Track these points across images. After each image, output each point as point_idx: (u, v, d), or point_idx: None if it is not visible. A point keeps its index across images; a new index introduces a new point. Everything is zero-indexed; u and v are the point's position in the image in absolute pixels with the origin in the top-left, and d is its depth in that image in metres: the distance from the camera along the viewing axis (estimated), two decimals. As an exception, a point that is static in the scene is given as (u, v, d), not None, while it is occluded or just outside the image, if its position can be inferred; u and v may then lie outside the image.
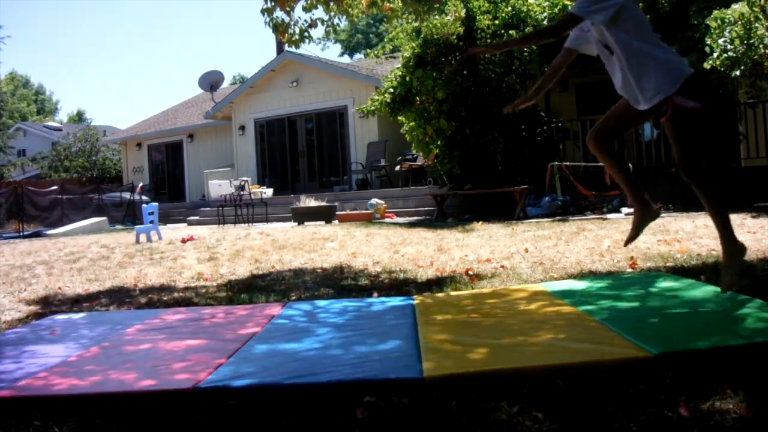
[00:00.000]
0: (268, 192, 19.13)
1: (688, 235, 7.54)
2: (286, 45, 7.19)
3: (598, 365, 2.67)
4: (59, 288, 6.61)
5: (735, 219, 8.64)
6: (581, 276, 5.21)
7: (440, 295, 4.72)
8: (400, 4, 6.49)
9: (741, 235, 7.09)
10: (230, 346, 3.42)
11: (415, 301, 4.38)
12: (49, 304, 5.68)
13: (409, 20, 8.18)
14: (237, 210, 17.01)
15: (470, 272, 5.77)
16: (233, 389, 2.69)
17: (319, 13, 6.76)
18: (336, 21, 6.91)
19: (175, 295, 5.74)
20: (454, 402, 2.37)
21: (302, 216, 15.07)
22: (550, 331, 3.24)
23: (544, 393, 2.42)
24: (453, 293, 4.77)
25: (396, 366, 2.82)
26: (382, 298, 4.56)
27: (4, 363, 3.39)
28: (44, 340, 3.97)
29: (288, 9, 6.75)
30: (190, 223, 18.96)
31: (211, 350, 3.39)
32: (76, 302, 5.72)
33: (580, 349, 2.87)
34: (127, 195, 21.77)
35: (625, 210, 11.71)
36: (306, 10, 6.81)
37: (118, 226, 19.78)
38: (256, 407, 2.49)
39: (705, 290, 3.97)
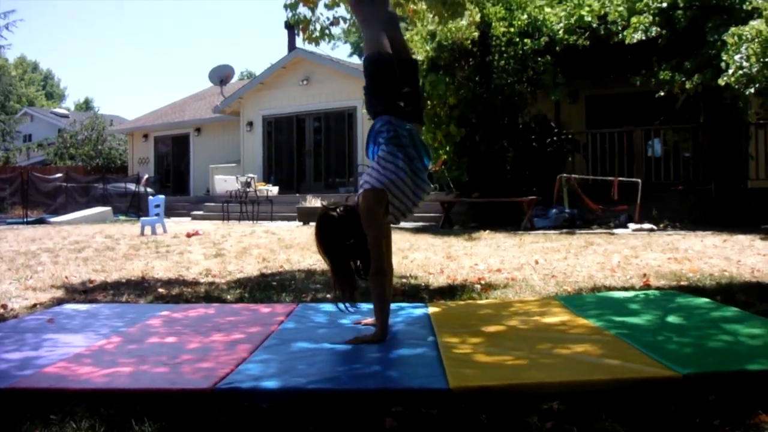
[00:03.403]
0: (274, 190, 19.10)
1: (697, 254, 7.52)
2: (306, 42, 7.16)
3: (625, 383, 2.64)
4: (66, 277, 6.57)
5: (743, 240, 8.73)
6: (595, 291, 5.17)
7: (455, 303, 4.69)
8: (425, 7, 6.47)
9: (750, 257, 7.10)
10: (248, 346, 3.38)
11: (430, 309, 4.34)
12: (57, 293, 5.65)
13: (433, 23, 8.16)
14: (242, 207, 16.98)
15: (482, 282, 5.74)
16: (255, 391, 2.64)
17: (341, 11, 6.73)
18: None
19: (185, 290, 5.70)
20: (484, 415, 2.34)
21: (308, 216, 15.03)
22: (571, 346, 3.20)
23: (574, 408, 2.38)
24: (468, 302, 4.74)
25: (419, 374, 2.79)
26: (397, 304, 4.52)
27: (18, 352, 3.36)
28: (58, 329, 3.93)
29: (311, 6, 6.73)
30: (194, 218, 18.95)
31: (229, 349, 3.34)
32: (83, 292, 5.68)
33: (606, 366, 2.84)
34: (132, 186, 21.74)
35: (632, 226, 11.67)
36: (329, 7, 6.79)
37: (122, 217, 19.75)
38: (279, 411, 2.46)
39: (724, 311, 3.93)
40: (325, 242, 3.58)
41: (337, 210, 3.60)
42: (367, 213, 3.47)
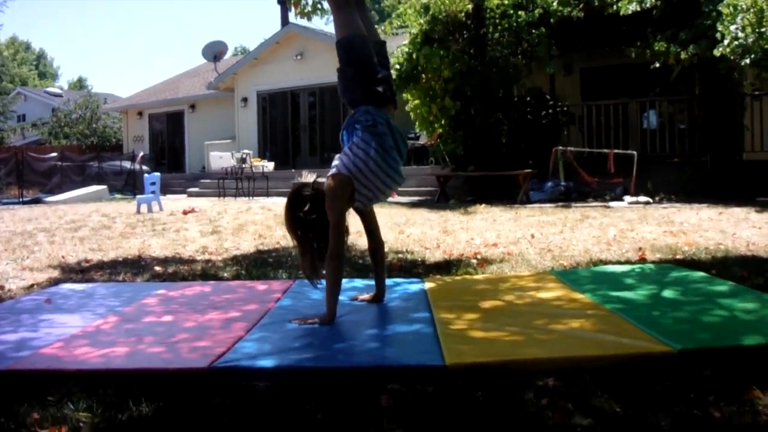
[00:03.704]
0: (269, 166, 19.04)
1: (693, 227, 7.52)
2: (298, 17, 7.10)
3: (620, 358, 2.65)
4: (62, 257, 6.56)
5: (739, 213, 8.73)
6: (591, 265, 5.18)
7: (451, 279, 4.70)
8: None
9: (746, 230, 7.11)
10: (244, 324, 3.39)
11: (427, 285, 4.35)
12: (53, 273, 5.65)
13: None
14: (238, 183, 16.94)
15: (478, 256, 5.74)
16: (252, 370, 2.65)
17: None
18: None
19: (182, 268, 5.70)
20: (480, 392, 2.35)
21: (304, 191, 14.95)
22: (567, 321, 3.21)
23: (570, 385, 2.39)
24: (464, 277, 4.74)
25: (416, 351, 2.80)
26: (394, 280, 4.53)
27: (15, 333, 3.36)
28: (55, 310, 3.93)
29: (302, -20, 6.69)
30: (190, 195, 18.90)
31: (225, 327, 3.35)
32: (80, 272, 5.68)
33: (601, 341, 2.85)
34: (127, 164, 21.63)
35: (628, 198, 11.68)
36: (320, -19, 6.75)
37: (118, 195, 19.70)
38: (276, 389, 2.46)
39: (720, 285, 3.94)
40: (291, 219, 3.64)
41: (308, 190, 3.63)
42: (331, 196, 3.51)
